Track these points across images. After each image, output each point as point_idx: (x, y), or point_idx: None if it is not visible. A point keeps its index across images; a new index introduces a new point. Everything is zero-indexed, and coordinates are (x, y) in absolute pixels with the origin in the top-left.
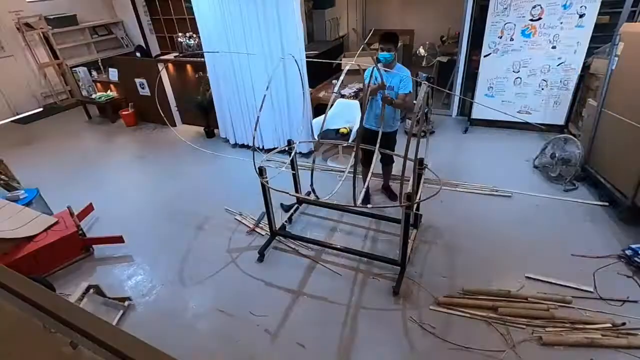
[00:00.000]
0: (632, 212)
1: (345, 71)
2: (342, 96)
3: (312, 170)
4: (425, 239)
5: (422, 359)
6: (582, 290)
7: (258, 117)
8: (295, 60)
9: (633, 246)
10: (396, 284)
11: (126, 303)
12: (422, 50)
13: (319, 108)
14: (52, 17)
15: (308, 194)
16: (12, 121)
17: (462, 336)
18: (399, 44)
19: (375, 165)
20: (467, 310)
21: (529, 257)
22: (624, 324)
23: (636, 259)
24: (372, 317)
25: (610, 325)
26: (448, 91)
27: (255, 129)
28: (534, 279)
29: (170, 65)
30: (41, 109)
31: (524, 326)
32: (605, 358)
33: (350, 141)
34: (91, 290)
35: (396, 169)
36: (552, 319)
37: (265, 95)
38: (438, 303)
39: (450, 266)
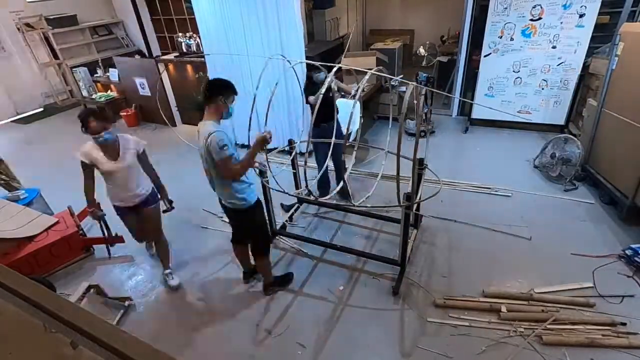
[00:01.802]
0: (632, 212)
1: (332, 73)
2: (343, 96)
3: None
4: (425, 239)
5: (422, 358)
6: (582, 288)
7: (250, 117)
8: (288, 60)
9: (633, 246)
10: (396, 284)
11: (126, 303)
12: (422, 50)
13: None
14: (52, 17)
15: (308, 194)
16: (12, 121)
17: (462, 338)
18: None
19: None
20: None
21: (528, 256)
22: (624, 324)
23: (636, 258)
24: (372, 316)
25: (610, 325)
26: (447, 94)
27: (249, 129)
28: (543, 292)
29: (170, 66)
30: (42, 109)
31: (525, 328)
32: (605, 358)
33: (350, 140)
34: (92, 290)
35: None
36: (553, 319)
37: (255, 95)
38: (436, 305)
39: (450, 266)
